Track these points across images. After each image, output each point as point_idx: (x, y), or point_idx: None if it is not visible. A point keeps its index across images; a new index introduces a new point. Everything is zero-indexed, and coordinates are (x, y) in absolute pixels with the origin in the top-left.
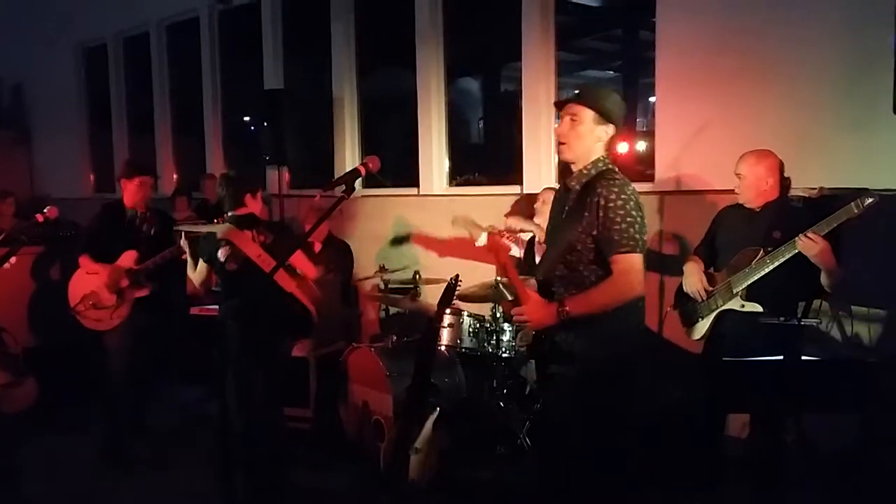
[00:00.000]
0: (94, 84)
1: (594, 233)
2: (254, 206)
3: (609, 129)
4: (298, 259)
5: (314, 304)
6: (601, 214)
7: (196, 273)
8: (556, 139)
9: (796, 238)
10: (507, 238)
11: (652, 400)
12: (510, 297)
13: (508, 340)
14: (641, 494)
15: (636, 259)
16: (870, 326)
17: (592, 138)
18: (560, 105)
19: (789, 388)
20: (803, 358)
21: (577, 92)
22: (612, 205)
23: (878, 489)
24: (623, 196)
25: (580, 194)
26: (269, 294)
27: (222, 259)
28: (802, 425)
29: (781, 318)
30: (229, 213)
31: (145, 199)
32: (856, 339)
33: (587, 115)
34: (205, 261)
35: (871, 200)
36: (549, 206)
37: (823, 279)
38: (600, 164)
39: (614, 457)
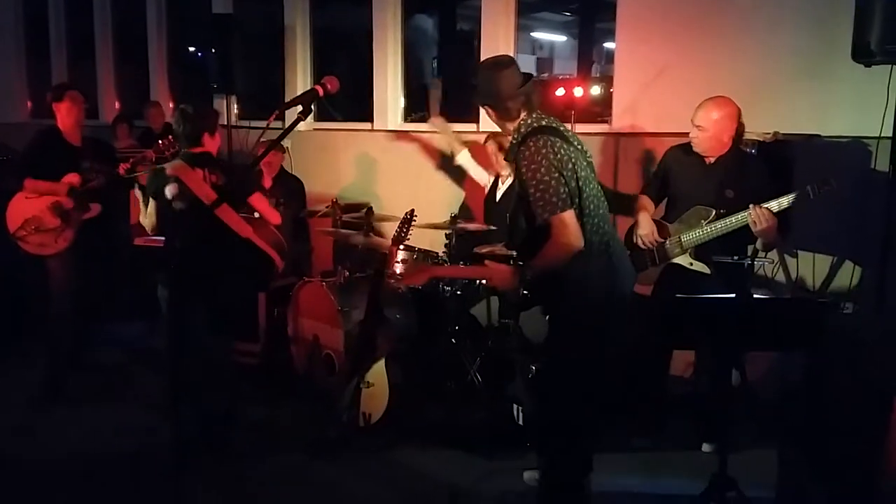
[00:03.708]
0: (32, 4)
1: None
2: (211, 145)
3: (489, 110)
4: (260, 204)
5: (277, 250)
6: (525, 189)
7: (147, 216)
8: None
9: (748, 210)
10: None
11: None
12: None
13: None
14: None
15: (561, 218)
16: (814, 269)
17: (497, 122)
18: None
19: (739, 325)
20: (755, 296)
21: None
22: (524, 178)
23: (819, 427)
24: (532, 166)
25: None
26: (219, 237)
27: (169, 197)
28: (744, 365)
29: (735, 257)
30: (183, 150)
31: (78, 120)
32: (800, 282)
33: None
34: (151, 196)
35: (827, 187)
36: (500, 156)
37: (759, 242)
38: (522, 129)
39: (571, 400)
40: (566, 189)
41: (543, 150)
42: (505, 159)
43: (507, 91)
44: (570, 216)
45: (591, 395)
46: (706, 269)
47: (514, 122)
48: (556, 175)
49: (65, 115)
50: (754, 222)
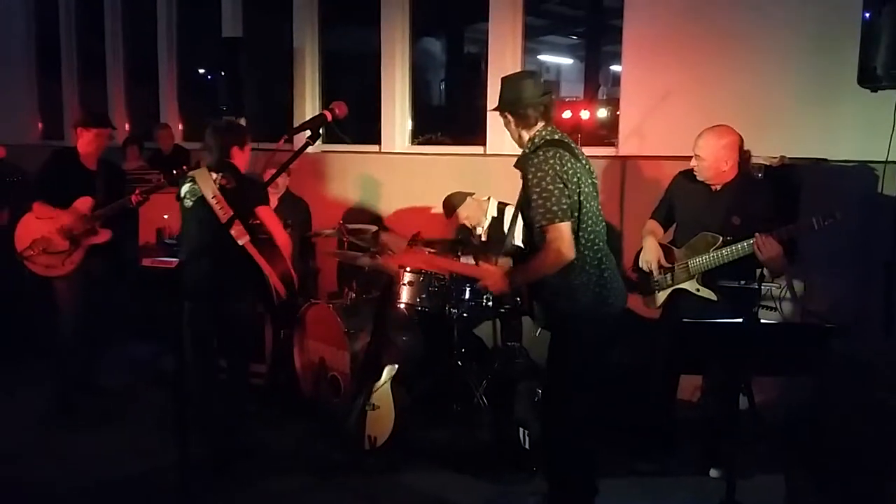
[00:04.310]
0: (44, 26)
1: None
2: (240, 159)
3: (509, 117)
4: (268, 218)
5: (284, 282)
6: (527, 195)
7: None
8: None
9: (752, 238)
10: None
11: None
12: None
13: (468, 299)
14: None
15: (558, 228)
16: (821, 293)
17: (514, 131)
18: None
19: (747, 349)
20: (762, 321)
21: None
22: (529, 184)
23: (826, 452)
24: (539, 173)
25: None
26: (227, 251)
27: (182, 195)
28: (752, 389)
29: (742, 282)
30: (210, 163)
31: (99, 149)
32: (807, 307)
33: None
34: (176, 199)
35: (832, 220)
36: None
37: (766, 269)
38: (536, 139)
39: (562, 403)
40: (568, 201)
41: (552, 161)
42: (515, 166)
43: (528, 98)
44: (566, 227)
45: (587, 404)
46: (713, 296)
47: (530, 130)
48: (561, 186)
49: (87, 143)
50: (759, 250)
